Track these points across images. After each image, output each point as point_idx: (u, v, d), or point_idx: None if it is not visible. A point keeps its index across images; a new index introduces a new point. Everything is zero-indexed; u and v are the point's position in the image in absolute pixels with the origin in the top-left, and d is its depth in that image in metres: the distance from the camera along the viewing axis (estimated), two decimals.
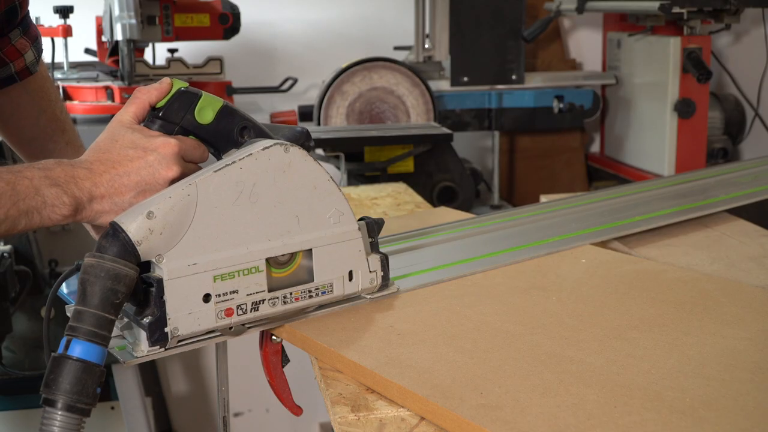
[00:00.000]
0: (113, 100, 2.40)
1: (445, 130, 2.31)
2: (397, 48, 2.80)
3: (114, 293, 0.87)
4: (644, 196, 1.66)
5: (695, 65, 2.33)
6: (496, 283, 1.18)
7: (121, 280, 0.88)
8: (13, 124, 1.36)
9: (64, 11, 2.46)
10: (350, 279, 1.07)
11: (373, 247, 1.10)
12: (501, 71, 2.63)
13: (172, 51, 2.64)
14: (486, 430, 0.78)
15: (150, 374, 2.70)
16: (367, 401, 0.90)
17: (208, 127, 1.02)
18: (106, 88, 2.39)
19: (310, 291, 1.04)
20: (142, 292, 0.93)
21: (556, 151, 2.90)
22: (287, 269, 1.02)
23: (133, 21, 2.29)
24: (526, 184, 2.92)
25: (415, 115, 2.54)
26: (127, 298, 0.89)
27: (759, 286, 1.17)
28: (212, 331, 0.98)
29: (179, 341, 0.96)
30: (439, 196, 2.28)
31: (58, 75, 2.49)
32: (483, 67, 2.63)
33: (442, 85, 2.66)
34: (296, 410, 1.10)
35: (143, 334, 0.93)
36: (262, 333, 1.06)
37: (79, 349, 0.85)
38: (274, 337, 1.06)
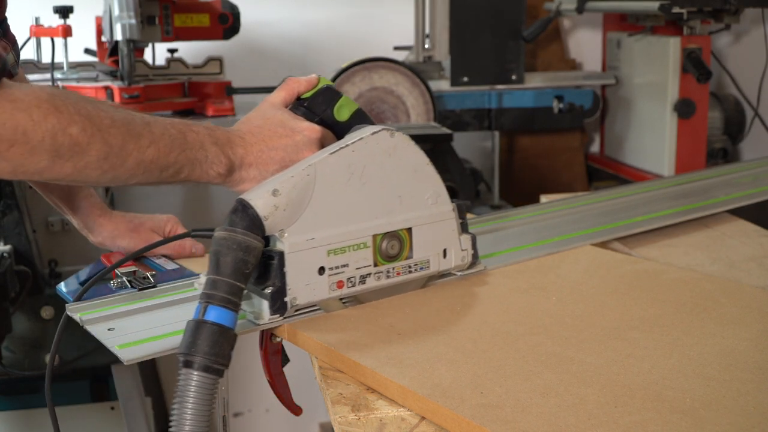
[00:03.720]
0: (113, 100, 2.40)
1: (445, 130, 2.30)
2: (397, 48, 2.79)
3: (244, 263, 0.93)
4: (644, 197, 1.66)
5: (695, 65, 2.33)
6: (496, 283, 1.18)
7: (251, 252, 0.94)
8: None
9: (64, 11, 2.46)
10: (444, 256, 1.15)
11: (463, 228, 1.17)
12: (501, 71, 2.63)
13: (171, 51, 2.64)
14: (486, 430, 0.78)
15: (150, 374, 2.70)
16: (368, 401, 0.90)
17: (342, 124, 1.13)
18: (106, 88, 2.39)
19: (409, 267, 1.12)
20: (262, 264, 1.01)
21: (556, 151, 2.90)
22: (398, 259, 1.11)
23: (133, 21, 2.29)
24: (526, 184, 2.91)
25: (415, 115, 2.54)
26: (255, 269, 0.96)
27: (759, 287, 1.17)
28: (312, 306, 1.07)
29: (296, 310, 1.04)
30: None
31: (58, 75, 2.49)
32: (483, 67, 2.63)
33: (442, 85, 2.66)
34: (296, 410, 1.10)
35: (265, 304, 1.01)
36: (262, 333, 1.06)
37: (214, 314, 0.90)
38: (274, 337, 1.06)
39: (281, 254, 1.00)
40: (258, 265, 0.99)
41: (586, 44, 3.05)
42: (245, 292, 0.98)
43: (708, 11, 2.34)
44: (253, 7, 2.81)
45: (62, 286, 1.26)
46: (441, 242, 1.14)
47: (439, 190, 1.14)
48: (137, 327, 1.04)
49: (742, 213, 1.55)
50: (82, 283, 1.22)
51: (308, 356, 1.03)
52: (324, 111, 1.13)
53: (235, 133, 1.07)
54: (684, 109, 2.37)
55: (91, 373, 2.31)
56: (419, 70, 2.56)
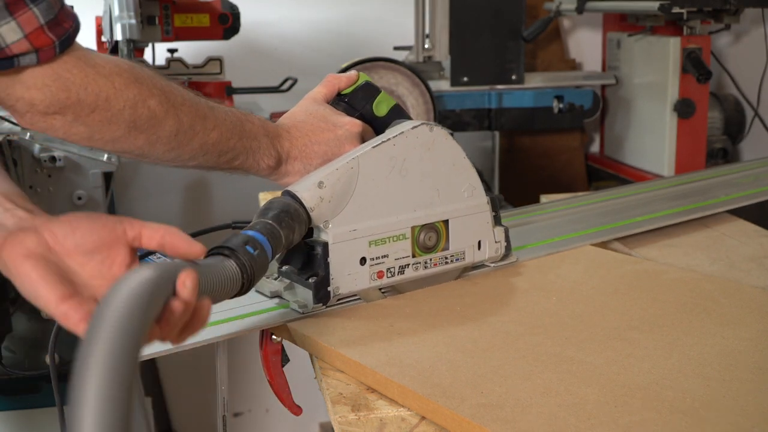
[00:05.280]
0: None
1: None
2: (397, 48, 2.79)
3: (287, 214, 0.98)
4: (645, 197, 1.66)
5: (695, 65, 2.33)
6: (496, 283, 1.18)
7: (295, 219, 0.99)
8: None
9: None
10: (479, 248, 1.19)
11: (497, 220, 1.21)
12: (501, 71, 2.63)
13: (171, 51, 2.63)
14: (487, 430, 0.78)
15: (150, 374, 2.70)
16: (368, 401, 0.90)
17: (381, 119, 1.16)
18: None
19: (446, 258, 1.16)
20: (305, 254, 1.05)
21: (556, 151, 2.89)
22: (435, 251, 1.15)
23: (133, 21, 2.28)
24: (526, 184, 2.91)
25: (415, 115, 2.53)
26: (290, 241, 0.98)
27: (759, 287, 1.17)
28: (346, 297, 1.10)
29: (338, 299, 1.08)
30: None
31: None
32: (483, 67, 2.62)
33: (442, 85, 2.65)
34: (296, 410, 1.10)
35: (309, 293, 1.05)
36: (262, 332, 1.06)
37: (252, 233, 0.92)
38: (274, 337, 1.06)
39: (325, 245, 1.04)
40: (300, 256, 1.05)
41: (586, 44, 3.05)
42: (288, 282, 1.05)
43: (708, 11, 2.34)
44: (253, 7, 2.81)
45: None
46: (476, 234, 1.18)
47: (475, 183, 1.18)
48: None
49: (742, 213, 1.55)
50: None
51: (308, 356, 1.03)
52: (363, 106, 1.16)
53: (282, 127, 1.10)
54: (684, 109, 2.36)
55: None
56: (419, 70, 2.55)
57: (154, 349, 0.98)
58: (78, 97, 0.84)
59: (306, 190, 1.02)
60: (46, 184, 1.93)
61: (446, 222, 1.15)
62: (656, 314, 1.05)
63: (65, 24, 0.82)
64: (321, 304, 1.06)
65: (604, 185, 2.74)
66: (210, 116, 0.99)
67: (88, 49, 0.87)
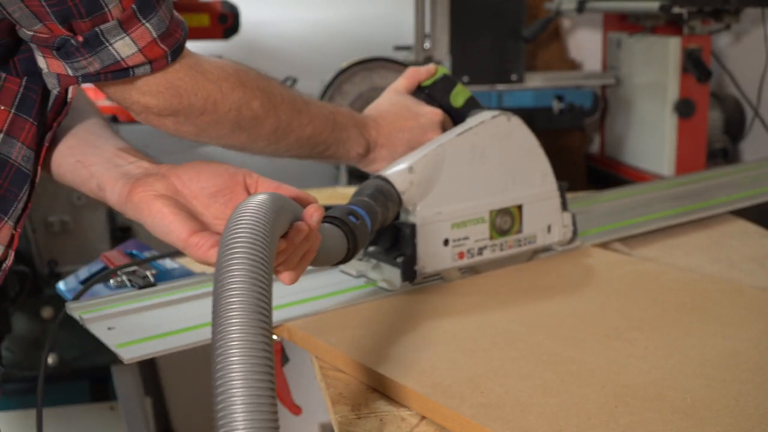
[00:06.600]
0: None
1: None
2: (397, 48, 2.79)
3: (382, 194, 1.06)
4: (645, 198, 1.66)
5: (695, 65, 2.33)
6: (496, 283, 1.18)
7: (389, 199, 1.07)
8: None
9: None
10: (548, 232, 1.26)
11: (564, 206, 1.27)
12: (501, 71, 2.63)
13: None
14: (487, 429, 0.78)
15: (150, 374, 2.70)
16: (368, 400, 0.90)
17: (457, 110, 1.23)
18: None
19: (519, 240, 1.23)
20: (393, 235, 1.12)
21: (556, 151, 2.88)
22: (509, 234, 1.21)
23: None
24: None
25: None
26: (385, 219, 1.06)
27: (760, 287, 1.17)
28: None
29: (424, 278, 1.15)
30: None
31: None
32: (483, 66, 2.62)
33: None
34: (296, 410, 1.10)
35: (396, 272, 1.12)
36: None
37: (352, 206, 1.01)
38: (274, 337, 1.06)
39: (413, 226, 1.11)
40: (388, 237, 1.12)
41: (586, 44, 3.04)
42: (375, 262, 1.13)
43: (708, 11, 2.34)
44: (253, 7, 2.81)
45: (61, 285, 1.26)
46: (546, 218, 1.25)
47: (546, 170, 1.25)
48: (137, 326, 1.04)
49: (742, 213, 1.55)
50: (81, 282, 1.22)
51: (308, 356, 1.03)
52: (442, 97, 1.23)
53: (368, 117, 1.16)
54: (684, 109, 2.36)
55: (90, 373, 2.30)
56: None
57: (155, 348, 0.98)
58: (189, 102, 0.89)
59: (397, 174, 1.09)
60: (45, 183, 1.92)
61: (520, 207, 1.22)
62: (657, 314, 1.05)
63: (176, 34, 0.86)
64: (408, 283, 1.12)
65: (605, 186, 2.73)
66: (305, 111, 1.04)
67: (196, 55, 0.91)
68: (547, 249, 1.28)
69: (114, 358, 0.97)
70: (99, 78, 0.84)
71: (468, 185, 1.16)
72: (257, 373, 0.61)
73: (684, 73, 2.36)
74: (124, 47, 0.82)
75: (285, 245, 0.81)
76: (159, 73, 0.86)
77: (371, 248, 1.15)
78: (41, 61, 0.84)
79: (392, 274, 1.13)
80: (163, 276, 1.21)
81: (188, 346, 1.00)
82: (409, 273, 1.12)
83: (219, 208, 0.87)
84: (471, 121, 1.18)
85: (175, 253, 1.29)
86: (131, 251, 1.29)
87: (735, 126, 2.63)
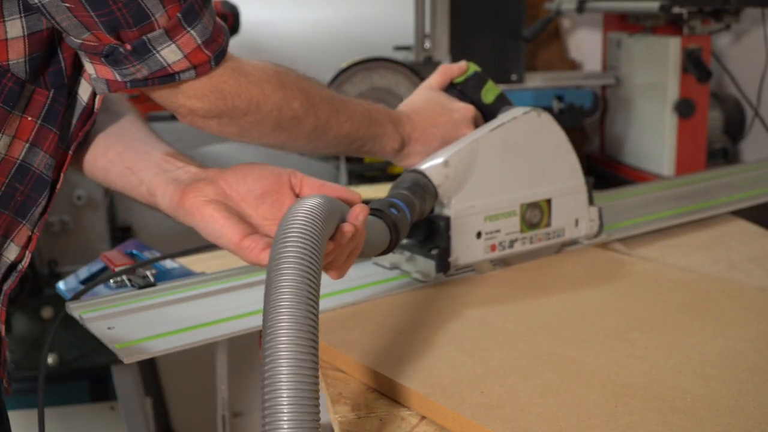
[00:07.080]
0: None
1: None
2: (397, 48, 2.79)
3: (419, 187, 1.08)
4: (645, 198, 1.66)
5: (695, 65, 2.33)
6: (496, 283, 1.18)
7: (426, 192, 1.10)
8: None
9: None
10: (576, 225, 1.29)
11: (590, 200, 1.31)
12: (501, 71, 2.62)
13: None
14: (487, 429, 0.78)
15: (150, 374, 2.70)
16: (368, 400, 0.90)
17: (488, 106, 1.25)
18: None
19: (548, 234, 1.26)
20: (427, 228, 1.15)
21: None
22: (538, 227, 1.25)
23: None
24: None
25: None
26: (423, 211, 1.08)
27: (759, 288, 1.17)
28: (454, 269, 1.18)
29: (457, 269, 1.18)
30: None
31: None
32: (483, 67, 2.60)
33: None
34: None
35: (431, 263, 1.15)
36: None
37: (392, 199, 1.04)
38: None
39: (448, 219, 1.14)
40: (422, 229, 1.14)
41: (586, 44, 3.04)
42: (409, 255, 1.15)
43: (708, 11, 2.34)
44: (253, 7, 2.81)
45: (61, 285, 1.26)
46: (574, 212, 1.29)
47: (575, 165, 1.27)
48: (137, 326, 1.04)
49: (742, 213, 1.55)
50: (81, 282, 1.22)
51: None
52: (474, 94, 1.25)
53: (402, 113, 1.18)
54: (684, 109, 2.36)
55: (90, 373, 2.30)
56: (419, 70, 2.55)
57: (155, 348, 0.98)
58: (233, 104, 0.91)
59: (433, 168, 1.12)
60: None
61: (549, 201, 1.25)
62: (657, 314, 1.05)
63: (219, 39, 0.89)
64: (442, 274, 1.15)
65: (604, 186, 2.73)
66: (342, 110, 1.06)
67: (238, 59, 0.94)
68: (574, 242, 1.31)
69: (114, 358, 0.97)
70: (146, 83, 0.86)
71: (500, 179, 1.19)
72: (303, 376, 0.69)
73: (684, 73, 2.36)
74: (170, 54, 0.84)
75: (332, 246, 0.85)
76: (204, 77, 0.88)
77: (405, 240, 1.17)
78: (89, 67, 0.86)
79: (427, 265, 1.16)
80: (163, 276, 1.21)
81: (188, 346, 1.00)
82: (444, 264, 1.15)
83: (267, 209, 0.91)
84: (503, 117, 1.21)
85: (175, 254, 1.29)
86: (131, 251, 1.29)
87: (735, 126, 2.63)
